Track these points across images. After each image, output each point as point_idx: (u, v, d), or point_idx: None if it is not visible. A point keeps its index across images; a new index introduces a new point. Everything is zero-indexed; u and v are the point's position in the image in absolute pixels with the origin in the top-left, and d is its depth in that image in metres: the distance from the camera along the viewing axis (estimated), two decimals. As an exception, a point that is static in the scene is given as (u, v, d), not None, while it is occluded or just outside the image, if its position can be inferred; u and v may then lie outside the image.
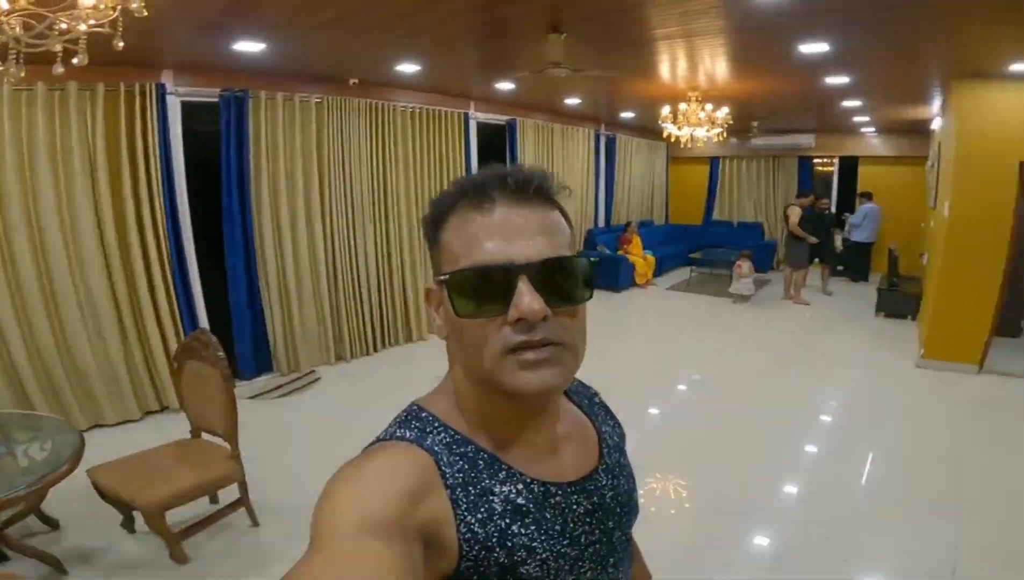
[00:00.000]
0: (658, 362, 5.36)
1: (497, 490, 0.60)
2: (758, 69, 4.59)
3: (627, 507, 0.73)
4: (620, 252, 8.38)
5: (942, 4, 2.78)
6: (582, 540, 0.64)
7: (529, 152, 6.99)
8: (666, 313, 7.37)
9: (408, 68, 4.35)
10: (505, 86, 5.37)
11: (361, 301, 5.23)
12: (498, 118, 6.59)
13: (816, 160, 9.78)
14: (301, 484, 1.40)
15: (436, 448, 0.60)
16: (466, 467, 0.60)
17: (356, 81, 4.71)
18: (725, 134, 5.71)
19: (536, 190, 0.59)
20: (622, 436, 0.81)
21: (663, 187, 10.74)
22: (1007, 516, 2.79)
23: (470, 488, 0.59)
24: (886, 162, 9.01)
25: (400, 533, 0.50)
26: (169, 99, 3.88)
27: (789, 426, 3.93)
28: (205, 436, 2.62)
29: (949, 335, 4.78)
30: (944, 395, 4.41)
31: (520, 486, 0.61)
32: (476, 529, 0.57)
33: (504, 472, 0.61)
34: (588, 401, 0.80)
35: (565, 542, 0.62)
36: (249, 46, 3.48)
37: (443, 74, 4.76)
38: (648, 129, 8.75)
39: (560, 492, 0.64)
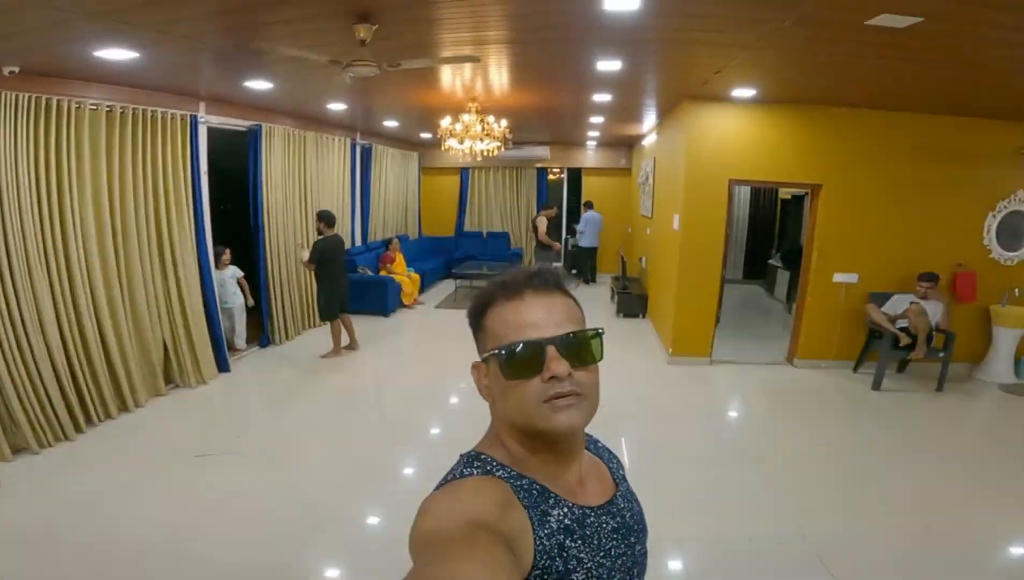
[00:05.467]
0: (444, 383, 5.09)
1: (552, 512, 0.74)
2: (543, 82, 4.58)
3: (640, 524, 0.88)
4: (383, 272, 7.82)
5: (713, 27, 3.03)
6: (613, 553, 0.78)
7: (277, 163, 5.84)
8: (441, 333, 7.07)
9: (114, 54, 3.03)
10: (259, 86, 4.27)
11: (37, 371, 3.61)
12: (238, 123, 5.30)
13: (548, 172, 10.79)
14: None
15: (503, 479, 0.74)
16: (525, 494, 0.74)
17: (15, 70, 3.12)
18: (503, 148, 5.67)
19: (553, 284, 0.79)
20: (623, 470, 0.97)
21: (416, 199, 10.45)
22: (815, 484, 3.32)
23: (536, 508, 0.73)
24: (601, 173, 10.45)
25: (498, 533, 0.61)
26: None
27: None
28: None
29: (688, 334, 5.63)
30: (696, 384, 5.17)
31: (566, 510, 0.76)
32: (545, 542, 0.71)
33: (553, 499, 0.75)
34: (594, 446, 0.96)
35: (602, 555, 0.76)
36: None
37: (161, 64, 3.47)
38: (403, 138, 8.35)
39: (593, 514, 0.79)
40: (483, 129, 5.27)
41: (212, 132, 5.00)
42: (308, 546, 2.75)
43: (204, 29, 2.80)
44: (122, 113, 4.01)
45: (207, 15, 2.59)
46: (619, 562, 0.79)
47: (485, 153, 5.52)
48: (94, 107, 3.80)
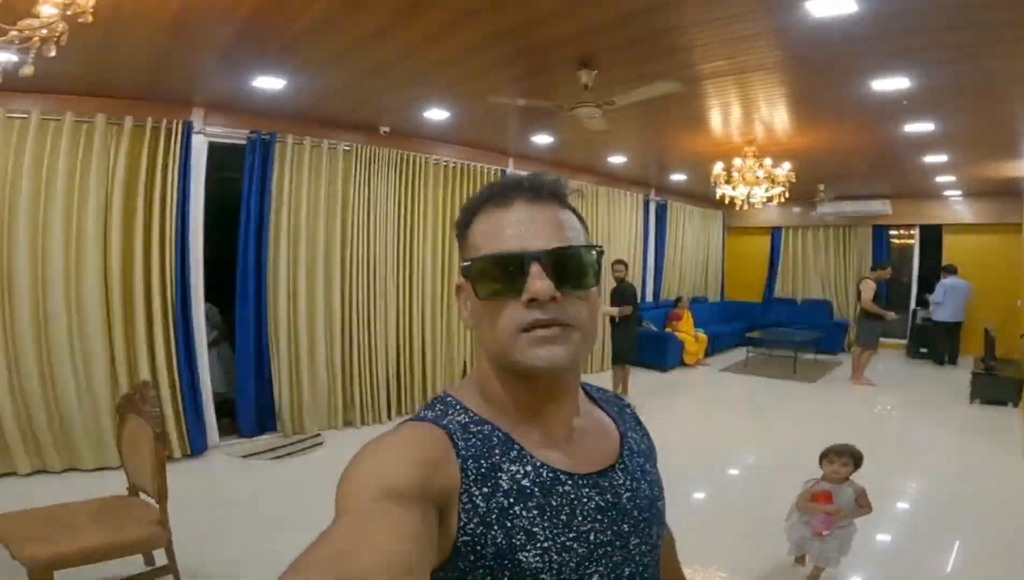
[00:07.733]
0: (709, 446, 4.60)
1: (506, 468, 0.61)
2: (822, 115, 4.15)
3: (647, 513, 0.70)
4: (668, 329, 7.78)
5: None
6: (591, 538, 0.63)
7: (571, 215, 6.64)
8: (718, 394, 6.64)
9: (436, 114, 4.20)
10: (543, 140, 5.15)
11: (376, 366, 4.85)
12: (539, 177, 6.34)
13: (893, 231, 8.98)
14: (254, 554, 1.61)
15: (451, 426, 0.63)
16: (479, 443, 0.62)
17: (388, 130, 4.60)
18: (787, 195, 5.18)
19: (549, 192, 0.65)
20: (651, 449, 0.81)
21: (718, 260, 10.09)
22: None
23: (481, 461, 0.61)
24: (974, 231, 8.12)
25: (418, 501, 0.52)
26: (195, 138, 3.83)
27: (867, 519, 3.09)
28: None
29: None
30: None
31: (528, 468, 0.62)
32: (478, 501, 0.58)
33: (516, 452, 0.63)
34: (618, 409, 0.80)
35: (571, 535, 0.61)
36: (269, 82, 3.41)
37: (474, 123, 4.58)
38: (702, 196, 8.36)
39: (570, 482, 0.64)
40: (764, 174, 4.94)
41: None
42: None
43: (476, 85, 3.62)
44: (453, 168, 5.33)
45: (490, 66, 3.37)
46: (600, 551, 0.63)
47: (764, 200, 5.13)
48: (435, 162, 5.18)
